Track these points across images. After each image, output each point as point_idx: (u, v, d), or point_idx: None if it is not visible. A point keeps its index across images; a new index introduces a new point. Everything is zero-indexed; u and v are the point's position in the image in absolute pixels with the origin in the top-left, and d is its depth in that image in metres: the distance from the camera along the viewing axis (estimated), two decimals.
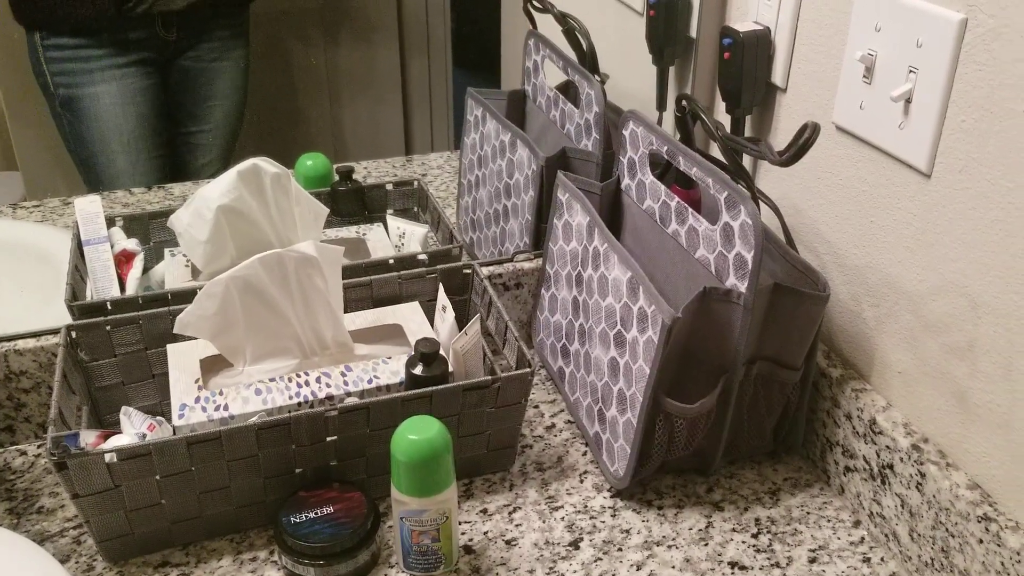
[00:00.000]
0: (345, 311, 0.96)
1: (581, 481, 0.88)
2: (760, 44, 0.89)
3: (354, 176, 1.13)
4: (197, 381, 0.84)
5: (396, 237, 1.10)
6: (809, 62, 0.86)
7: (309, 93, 1.38)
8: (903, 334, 0.79)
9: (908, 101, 0.74)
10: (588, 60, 1.08)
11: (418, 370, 0.81)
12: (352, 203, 1.13)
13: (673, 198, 0.87)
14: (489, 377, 0.82)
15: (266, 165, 0.97)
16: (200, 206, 0.97)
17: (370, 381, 0.85)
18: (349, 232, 1.10)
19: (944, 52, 0.70)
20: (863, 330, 0.85)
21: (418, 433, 0.73)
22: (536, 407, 0.98)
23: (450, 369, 0.86)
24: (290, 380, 0.84)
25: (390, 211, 1.17)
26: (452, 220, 1.27)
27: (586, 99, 1.03)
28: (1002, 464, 0.70)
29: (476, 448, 0.86)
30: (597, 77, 1.06)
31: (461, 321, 0.98)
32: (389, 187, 1.17)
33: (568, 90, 1.13)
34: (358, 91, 1.43)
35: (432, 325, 0.96)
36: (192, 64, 1.19)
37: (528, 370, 0.83)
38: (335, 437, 0.80)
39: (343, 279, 0.94)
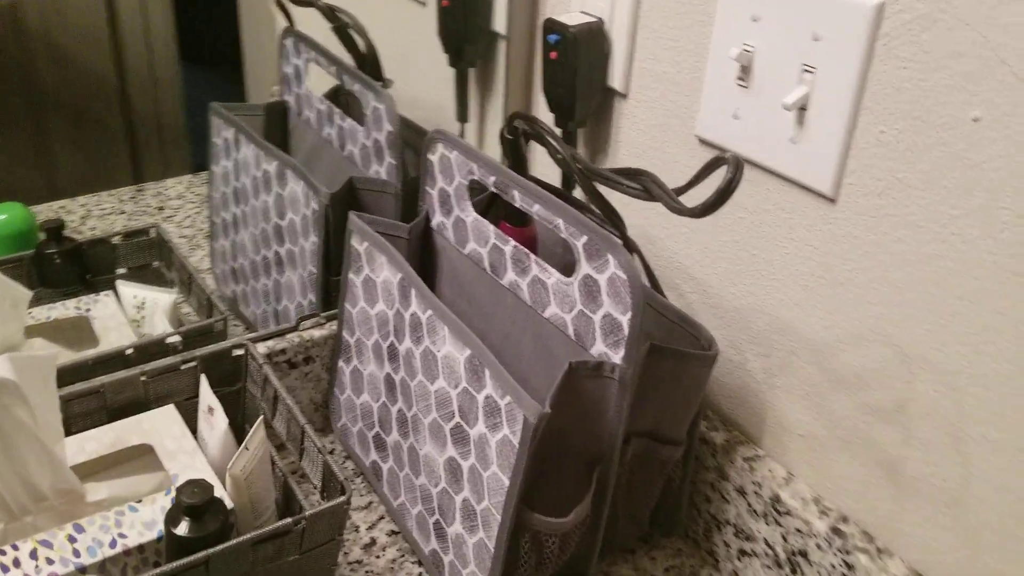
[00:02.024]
0: (68, 433, 0.68)
1: None
2: (594, 40, 0.71)
3: (65, 232, 0.84)
4: None
5: (133, 309, 0.83)
6: (658, 61, 0.69)
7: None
8: (804, 390, 0.65)
9: (803, 109, 0.58)
10: (369, 65, 0.86)
11: (183, 529, 0.57)
12: (67, 269, 0.84)
13: (507, 241, 0.68)
14: (289, 520, 0.59)
15: None
16: None
17: (113, 544, 0.59)
18: (67, 309, 0.82)
19: (852, 46, 0.55)
20: (748, 383, 0.69)
21: None
22: (347, 517, 0.76)
23: (229, 505, 0.62)
24: None
25: (122, 271, 0.89)
26: (205, 266, 1.01)
27: (373, 114, 0.81)
28: (952, 549, 0.57)
29: None
30: (380, 84, 0.84)
31: (235, 423, 0.74)
32: (116, 240, 0.89)
33: (337, 98, 0.90)
34: (66, 110, 1.12)
35: (196, 435, 0.71)
36: None
37: (343, 499, 0.61)
38: None
39: (61, 388, 0.67)
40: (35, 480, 0.60)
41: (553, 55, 0.71)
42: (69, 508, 0.62)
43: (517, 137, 0.65)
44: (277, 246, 0.87)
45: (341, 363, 0.79)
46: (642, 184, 0.55)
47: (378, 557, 0.72)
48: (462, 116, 0.90)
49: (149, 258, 0.91)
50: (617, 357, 0.60)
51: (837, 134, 0.57)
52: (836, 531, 0.62)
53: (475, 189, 0.72)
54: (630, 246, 0.61)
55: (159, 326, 0.82)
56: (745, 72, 0.61)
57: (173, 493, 0.61)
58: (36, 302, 0.83)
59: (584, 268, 0.61)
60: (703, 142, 0.67)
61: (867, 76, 0.54)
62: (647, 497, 0.70)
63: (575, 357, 0.62)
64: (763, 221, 0.64)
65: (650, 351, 0.63)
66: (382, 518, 0.76)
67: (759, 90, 0.61)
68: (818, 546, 0.63)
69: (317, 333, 0.80)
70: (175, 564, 0.55)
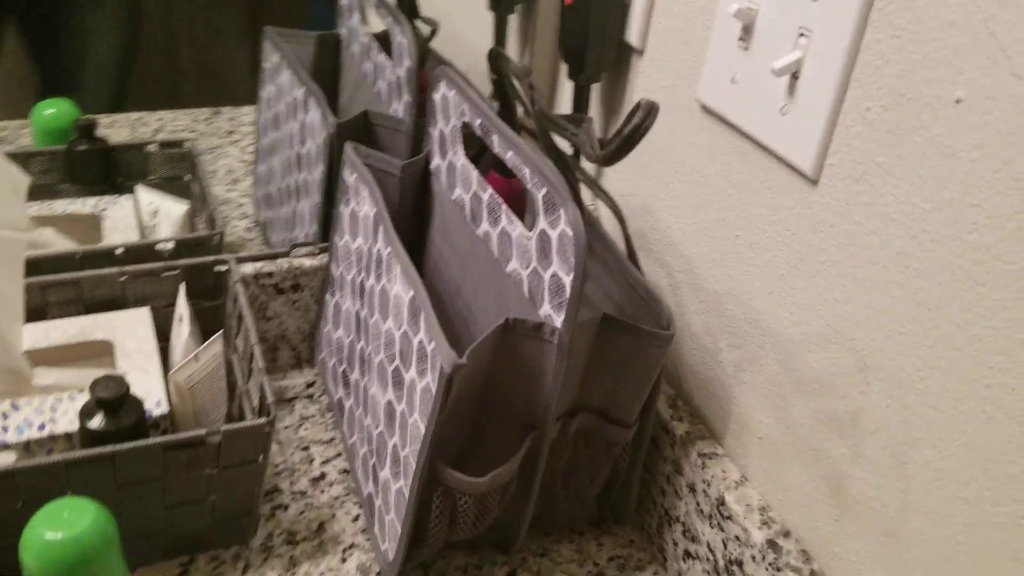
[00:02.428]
0: (46, 317, 0.70)
1: (344, 560, 0.66)
2: None
3: (97, 132, 0.87)
4: None
5: (147, 215, 0.85)
6: (673, 16, 0.65)
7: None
8: (767, 388, 0.59)
9: (795, 76, 0.53)
10: (406, 0, 0.84)
11: (96, 423, 0.57)
12: (94, 167, 0.87)
13: (486, 189, 0.65)
14: (202, 431, 0.58)
15: None
16: None
17: (42, 427, 0.60)
18: (84, 206, 0.84)
19: (848, 7, 0.49)
20: (719, 376, 0.64)
21: (60, 528, 0.49)
22: (306, 448, 0.75)
23: (158, 410, 0.63)
24: None
25: (153, 179, 0.92)
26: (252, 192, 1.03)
27: (397, 49, 0.79)
28: None
29: (195, 520, 0.63)
30: (419, 23, 0.83)
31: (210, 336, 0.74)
32: (152, 148, 0.91)
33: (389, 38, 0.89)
34: (199, 24, 1.16)
35: (170, 340, 0.72)
36: None
37: (264, 420, 0.60)
38: None
39: (43, 275, 0.69)
40: None
41: (568, 1, 0.67)
42: (15, 388, 0.64)
43: (502, 78, 0.62)
44: (297, 174, 0.87)
45: (328, 296, 0.79)
46: (578, 132, 0.51)
47: (323, 492, 0.71)
48: None
49: (182, 171, 0.93)
50: (559, 320, 0.56)
51: (823, 108, 0.51)
52: (772, 545, 0.57)
53: (475, 133, 0.70)
54: (580, 200, 0.57)
55: (167, 235, 0.83)
56: (746, 32, 0.56)
57: None
58: (62, 194, 0.86)
59: (541, 222, 0.57)
60: (704, 108, 0.62)
61: (860, 44, 0.49)
62: (592, 477, 0.66)
63: (525, 317, 0.59)
64: (749, 200, 0.59)
65: (603, 322, 0.59)
66: (339, 455, 0.75)
67: (757, 53, 0.55)
68: (753, 558, 0.58)
69: (308, 262, 0.80)
70: (79, 453, 0.55)
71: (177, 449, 0.58)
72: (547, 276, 0.57)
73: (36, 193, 0.86)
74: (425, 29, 0.90)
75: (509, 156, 0.61)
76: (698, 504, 0.63)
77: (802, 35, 0.52)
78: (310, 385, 0.82)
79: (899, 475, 0.49)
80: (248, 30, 1.12)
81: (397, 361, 0.62)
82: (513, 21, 0.85)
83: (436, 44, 0.89)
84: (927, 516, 0.48)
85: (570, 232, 0.54)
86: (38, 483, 0.55)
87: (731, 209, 0.61)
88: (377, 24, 0.90)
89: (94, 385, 0.57)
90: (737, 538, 0.59)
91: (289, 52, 0.91)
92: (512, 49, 0.86)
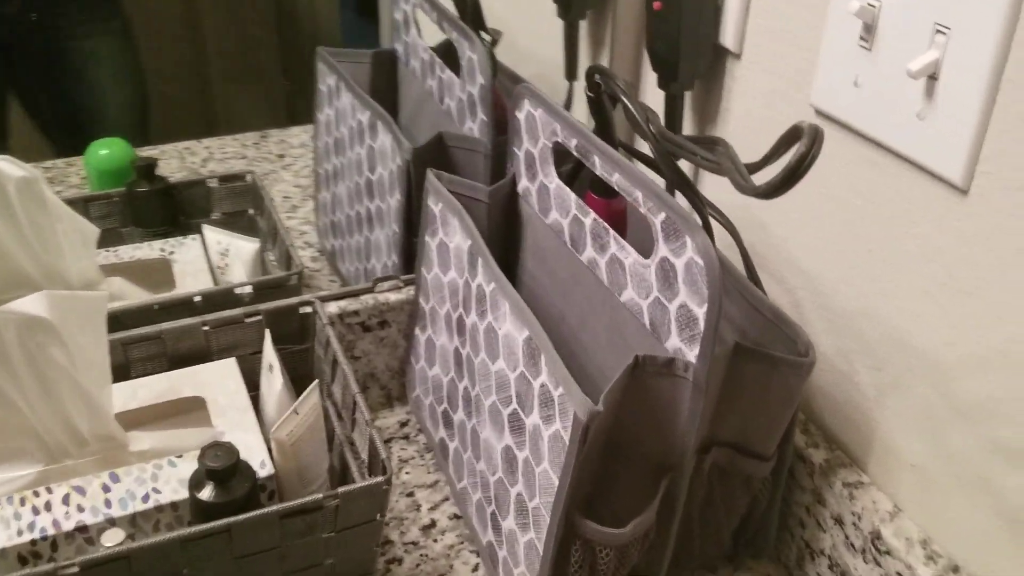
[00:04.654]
0: (129, 376, 0.67)
1: None
2: None
3: (157, 171, 0.83)
4: None
5: (217, 256, 0.82)
6: (775, 15, 0.60)
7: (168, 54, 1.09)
8: (919, 414, 0.55)
9: (932, 78, 0.48)
10: (470, 11, 0.80)
11: (206, 494, 0.54)
12: (158, 209, 0.84)
13: (588, 213, 0.61)
14: (319, 496, 0.55)
15: (8, 166, 0.68)
16: None
17: (146, 498, 0.57)
18: (151, 251, 0.81)
19: (994, 2, 0.44)
20: (856, 400, 0.60)
21: None
22: (410, 495, 0.72)
23: (267, 472, 0.59)
24: (23, 502, 0.56)
25: (216, 215, 0.88)
26: (313, 219, 1.00)
27: (467, 65, 0.75)
28: None
29: None
30: (484, 35, 0.78)
31: (304, 385, 0.71)
32: (213, 183, 0.88)
33: (450, 51, 0.85)
34: (229, 54, 1.14)
35: (260, 390, 0.69)
36: None
37: (381, 479, 0.56)
38: None
39: (123, 331, 0.66)
40: (75, 423, 0.59)
41: (656, 6, 0.63)
42: (111, 455, 0.60)
43: (600, 95, 0.58)
44: (368, 202, 0.84)
45: (417, 331, 0.75)
46: (716, 157, 0.47)
47: (436, 541, 0.68)
48: (570, 74, 0.83)
49: (244, 205, 0.90)
50: (692, 355, 0.52)
51: (971, 110, 0.46)
52: None
53: (565, 153, 0.66)
54: (709, 225, 0.53)
55: (239, 275, 0.80)
56: (868, 31, 0.51)
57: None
58: (123, 240, 0.83)
59: (661, 250, 0.53)
60: (819, 113, 0.58)
61: (1011, 40, 0.44)
62: (729, 514, 0.62)
63: (649, 350, 0.55)
64: (882, 212, 0.55)
65: (735, 351, 0.55)
66: (447, 499, 0.71)
67: (883, 53, 0.51)
68: None
69: (393, 297, 0.76)
70: (194, 529, 0.52)
71: (294, 516, 0.55)
72: (673, 307, 0.53)
73: (99, 239, 0.83)
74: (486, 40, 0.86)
75: (615, 178, 0.57)
76: (847, 537, 0.59)
77: (939, 32, 0.47)
78: (403, 424, 0.79)
79: None
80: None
81: (514, 404, 0.58)
82: (583, 27, 0.81)
83: (498, 54, 0.85)
84: None
85: (701, 262, 0.50)
86: (153, 563, 0.52)
87: (859, 222, 0.56)
88: (431, 36, 0.86)
89: (203, 455, 0.53)
90: (899, 574, 0.55)
91: (345, 74, 0.87)
92: (584, 58, 0.82)
